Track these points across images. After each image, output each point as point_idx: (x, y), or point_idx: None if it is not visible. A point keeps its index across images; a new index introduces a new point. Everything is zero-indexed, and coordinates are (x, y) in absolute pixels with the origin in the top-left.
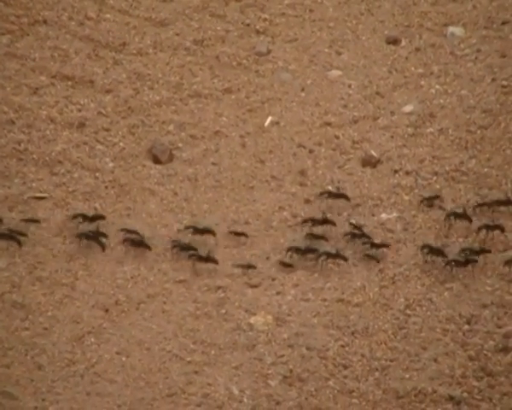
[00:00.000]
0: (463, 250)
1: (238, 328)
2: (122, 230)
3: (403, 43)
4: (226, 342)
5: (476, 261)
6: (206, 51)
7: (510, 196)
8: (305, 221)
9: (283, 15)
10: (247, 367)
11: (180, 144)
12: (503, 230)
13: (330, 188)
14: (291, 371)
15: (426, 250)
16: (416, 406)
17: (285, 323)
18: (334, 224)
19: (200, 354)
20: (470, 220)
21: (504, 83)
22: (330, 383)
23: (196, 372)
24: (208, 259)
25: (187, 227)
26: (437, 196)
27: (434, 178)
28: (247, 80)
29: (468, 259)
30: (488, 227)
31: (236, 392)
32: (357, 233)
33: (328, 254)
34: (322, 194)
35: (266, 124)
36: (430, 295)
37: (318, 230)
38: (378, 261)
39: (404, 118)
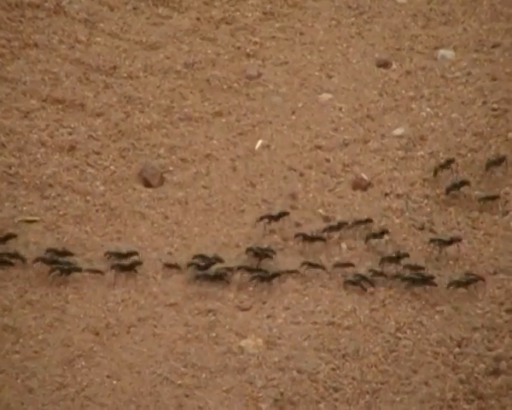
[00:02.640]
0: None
1: (229, 351)
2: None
3: (393, 66)
4: (217, 366)
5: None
6: (196, 74)
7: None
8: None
9: (274, 39)
10: (238, 390)
11: (171, 168)
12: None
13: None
14: (282, 394)
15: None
16: None
17: (276, 346)
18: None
19: (190, 377)
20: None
21: (495, 106)
22: (321, 406)
23: (187, 396)
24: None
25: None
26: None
27: (425, 201)
28: (237, 103)
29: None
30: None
31: None
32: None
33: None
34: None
35: (257, 147)
36: (421, 318)
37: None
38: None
39: (394, 141)
